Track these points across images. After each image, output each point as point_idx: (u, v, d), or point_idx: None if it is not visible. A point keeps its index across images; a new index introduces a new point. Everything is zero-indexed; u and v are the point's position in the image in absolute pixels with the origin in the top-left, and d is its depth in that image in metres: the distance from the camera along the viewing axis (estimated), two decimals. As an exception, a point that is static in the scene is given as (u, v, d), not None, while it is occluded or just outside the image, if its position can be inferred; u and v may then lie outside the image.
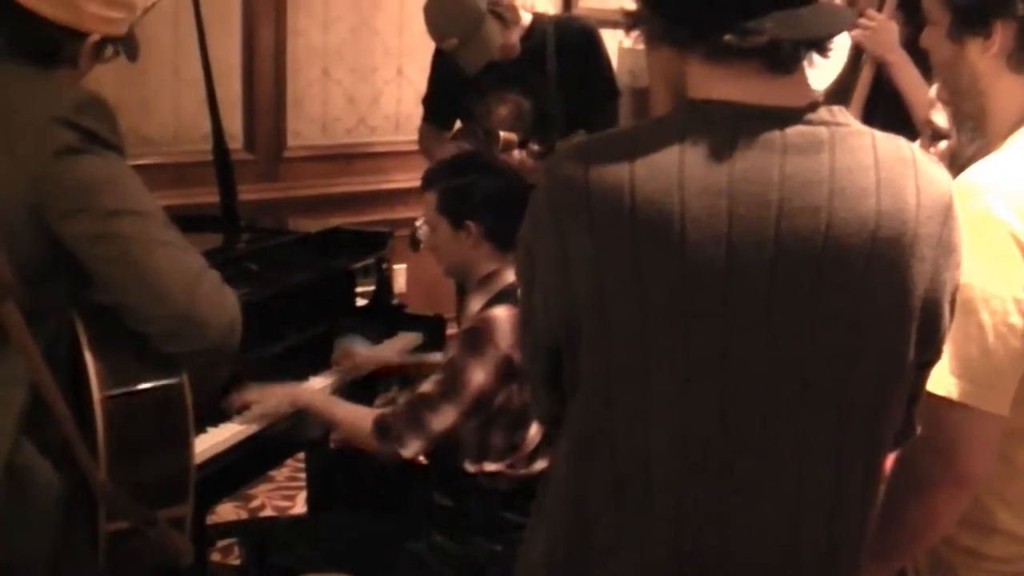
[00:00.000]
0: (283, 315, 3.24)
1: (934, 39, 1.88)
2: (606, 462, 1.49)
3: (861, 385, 1.47)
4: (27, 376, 1.91)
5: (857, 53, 3.44)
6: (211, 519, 3.84)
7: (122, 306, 1.95)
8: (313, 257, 3.51)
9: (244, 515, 4.26)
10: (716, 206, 1.40)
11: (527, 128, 3.94)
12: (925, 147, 2.57)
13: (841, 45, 4.20)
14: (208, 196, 3.56)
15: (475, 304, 2.85)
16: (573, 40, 3.98)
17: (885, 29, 3.30)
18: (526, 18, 3.99)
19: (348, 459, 3.20)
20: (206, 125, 3.45)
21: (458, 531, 2.79)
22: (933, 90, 2.66)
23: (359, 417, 2.83)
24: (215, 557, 3.84)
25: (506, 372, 2.69)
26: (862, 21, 3.29)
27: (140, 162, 4.48)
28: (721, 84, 1.46)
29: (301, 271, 3.38)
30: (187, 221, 3.46)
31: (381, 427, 2.74)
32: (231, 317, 2.02)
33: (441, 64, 4.09)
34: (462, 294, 3.44)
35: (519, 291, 1.61)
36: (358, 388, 3.30)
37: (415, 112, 5.35)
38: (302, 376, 3.17)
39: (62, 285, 1.98)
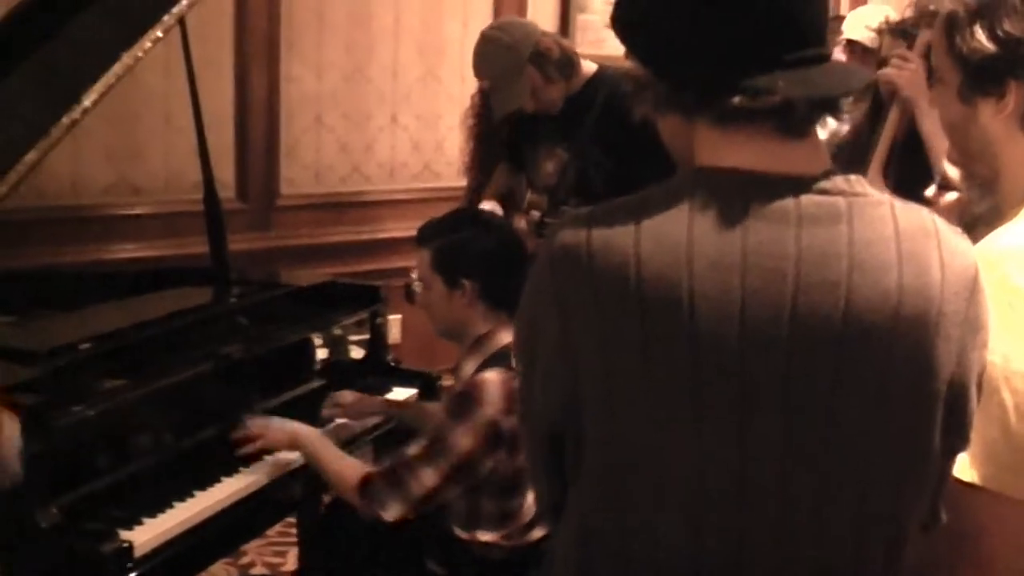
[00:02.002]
0: (274, 372, 3.16)
1: (944, 98, 1.79)
2: (613, 557, 1.41)
3: (883, 473, 1.38)
4: None
5: (878, 97, 3.37)
6: (200, 577, 3.75)
7: None
8: (305, 312, 3.43)
9: (235, 572, 4.17)
10: (728, 281, 1.32)
11: (569, 187, 3.82)
12: (936, 198, 2.51)
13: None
14: (200, 246, 3.49)
15: (468, 367, 2.77)
16: (622, 98, 3.82)
17: (919, 72, 3.23)
18: (589, 68, 3.87)
19: (340, 520, 3.11)
20: (198, 173, 3.39)
21: (453, 601, 2.71)
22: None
23: (349, 471, 2.74)
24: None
25: (493, 438, 2.60)
26: (896, 62, 3.22)
27: (130, 212, 4.44)
28: (731, 150, 1.38)
29: (293, 326, 3.30)
30: (177, 274, 3.46)
31: (365, 487, 2.65)
32: None
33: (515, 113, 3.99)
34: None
35: (518, 368, 1.53)
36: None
37: (410, 160, 5.34)
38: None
39: None
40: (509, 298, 2.79)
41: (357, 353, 3.56)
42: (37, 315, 3.10)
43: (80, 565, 2.31)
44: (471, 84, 4.67)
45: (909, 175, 3.34)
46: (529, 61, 3.71)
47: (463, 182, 4.83)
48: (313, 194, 5.06)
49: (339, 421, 3.19)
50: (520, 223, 3.77)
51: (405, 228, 5.15)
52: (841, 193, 1.36)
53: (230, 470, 2.82)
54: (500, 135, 4.21)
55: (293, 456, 2.89)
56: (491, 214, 3.25)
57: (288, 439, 2.84)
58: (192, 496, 2.66)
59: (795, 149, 1.38)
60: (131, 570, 2.37)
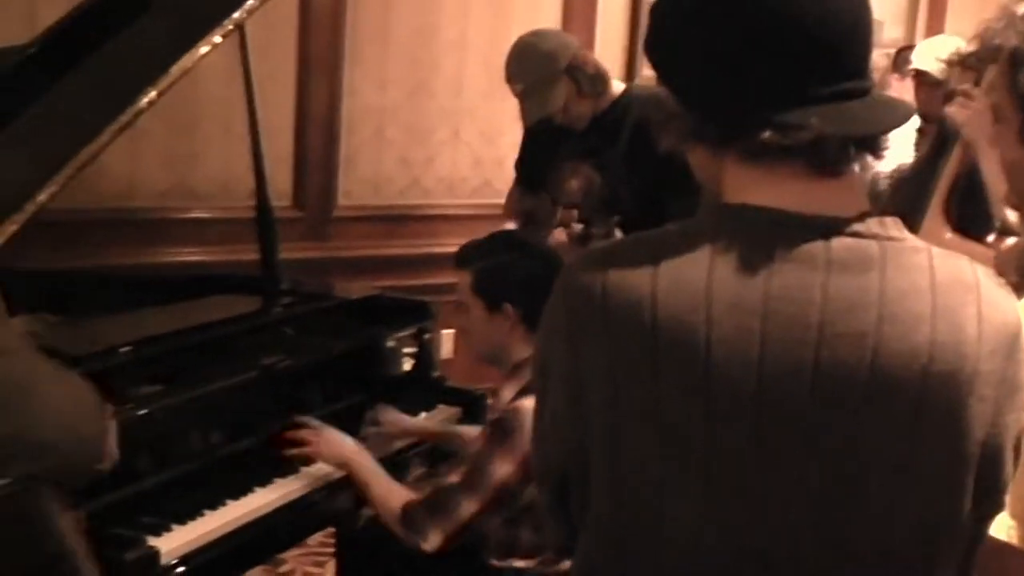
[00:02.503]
0: (316, 384, 3.14)
1: (1004, 139, 1.69)
2: None
3: (909, 538, 1.30)
4: None
5: (944, 132, 3.28)
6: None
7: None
8: (352, 325, 3.40)
9: (274, 583, 4.15)
10: (747, 326, 1.25)
11: (595, 205, 3.78)
12: (996, 244, 2.43)
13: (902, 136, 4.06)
14: (254, 253, 3.48)
15: (507, 393, 2.72)
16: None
17: (983, 111, 3.13)
18: (617, 88, 3.82)
19: (378, 534, 3.08)
20: (255, 182, 3.37)
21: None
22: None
23: (392, 497, 2.70)
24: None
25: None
26: (960, 100, 3.13)
27: (186, 216, 4.45)
28: (759, 187, 1.31)
29: (337, 339, 3.27)
30: (228, 281, 3.45)
31: (407, 516, 2.62)
32: (72, 426, 1.76)
33: (535, 127, 3.97)
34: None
35: (534, 405, 1.47)
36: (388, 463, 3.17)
37: (470, 175, 5.31)
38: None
39: None
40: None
41: (404, 368, 3.53)
42: (85, 316, 3.09)
43: (104, 570, 2.29)
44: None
45: (972, 217, 3.25)
46: (565, 71, 3.67)
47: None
48: (371, 206, 5.05)
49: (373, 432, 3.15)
50: (561, 237, 3.71)
51: (462, 243, 5.13)
52: (875, 237, 1.29)
53: (264, 480, 2.79)
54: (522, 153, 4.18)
55: (329, 469, 2.86)
56: (532, 236, 3.19)
57: (338, 458, 2.81)
58: (224, 505, 2.64)
59: (828, 188, 1.31)
60: (158, 576, 2.36)
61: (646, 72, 5.84)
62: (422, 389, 3.52)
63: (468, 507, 2.55)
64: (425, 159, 5.19)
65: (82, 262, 3.87)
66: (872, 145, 1.32)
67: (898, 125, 1.34)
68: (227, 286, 3.43)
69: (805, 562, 1.29)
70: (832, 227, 1.28)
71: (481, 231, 5.14)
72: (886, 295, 1.26)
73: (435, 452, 3.32)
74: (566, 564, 2.66)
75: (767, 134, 1.27)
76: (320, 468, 2.87)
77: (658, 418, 1.27)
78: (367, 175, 5.02)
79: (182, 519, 2.52)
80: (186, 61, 3.02)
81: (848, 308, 1.25)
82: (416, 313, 3.55)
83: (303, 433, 2.82)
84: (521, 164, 4.20)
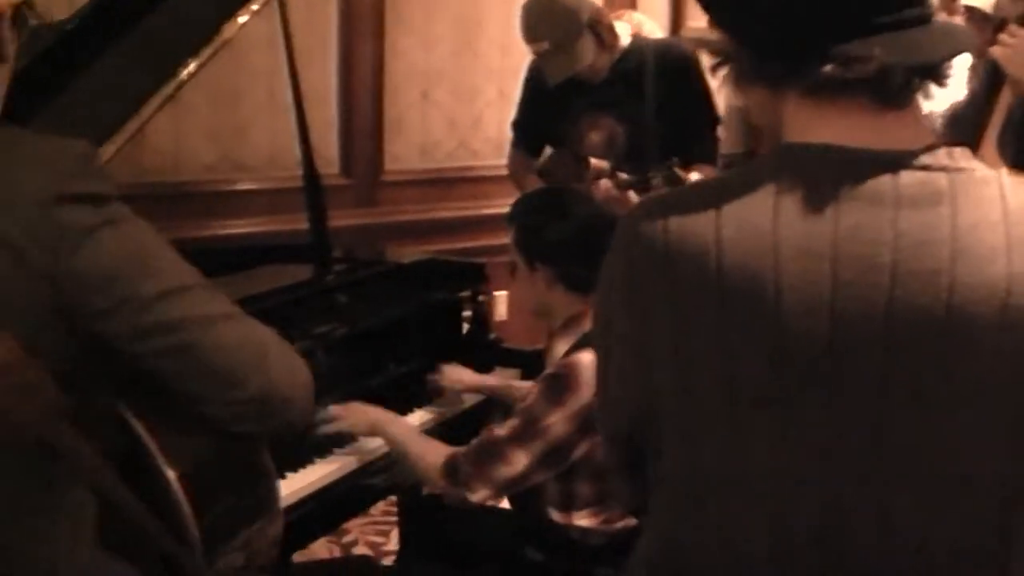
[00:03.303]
0: (373, 350, 3.11)
1: None
2: (694, 567, 1.31)
3: (990, 484, 1.25)
4: (91, 498, 1.68)
5: (994, 74, 3.17)
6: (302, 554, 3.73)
7: (181, 395, 1.66)
8: (405, 290, 3.37)
9: (337, 551, 4.14)
10: (817, 271, 1.20)
11: (620, 156, 3.77)
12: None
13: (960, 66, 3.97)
14: (304, 223, 3.45)
15: (560, 348, 2.68)
16: (672, 66, 3.78)
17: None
18: (625, 41, 3.83)
19: (440, 504, 3.05)
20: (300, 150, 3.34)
21: (551, 588, 2.63)
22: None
23: (432, 454, 2.65)
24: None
25: (587, 422, 2.49)
26: (1003, 37, 3.02)
27: (235, 187, 4.42)
28: (821, 124, 1.26)
29: (391, 305, 3.24)
30: (279, 251, 3.42)
31: (450, 468, 2.57)
32: (306, 386, 1.73)
33: (534, 86, 3.95)
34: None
35: (596, 361, 1.43)
36: (461, 423, 3.17)
37: (517, 135, 5.23)
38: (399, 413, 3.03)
39: (112, 384, 1.72)
40: (593, 283, 2.69)
41: (461, 331, 3.49)
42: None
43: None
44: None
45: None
46: (587, 25, 3.65)
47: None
48: (419, 169, 5.01)
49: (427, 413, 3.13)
50: (608, 188, 3.64)
51: (511, 203, 5.08)
52: (943, 169, 1.23)
53: (324, 452, 2.78)
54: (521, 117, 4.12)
55: (381, 441, 2.83)
56: (580, 195, 3.11)
57: (367, 424, 2.79)
58: (284, 478, 2.61)
59: (893, 121, 1.26)
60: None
61: (691, 23, 5.77)
62: (479, 352, 3.48)
63: (519, 460, 2.50)
64: (472, 121, 5.14)
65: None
66: (935, 74, 1.27)
67: (961, 52, 1.30)
68: (278, 256, 3.41)
69: (881, 509, 1.25)
70: (899, 161, 1.23)
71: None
72: (958, 229, 1.21)
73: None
74: (632, 521, 2.62)
75: (829, 67, 1.22)
76: (373, 440, 2.85)
77: (727, 368, 1.24)
78: (414, 138, 4.97)
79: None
80: (227, 31, 2.99)
81: (920, 245, 1.21)
82: (470, 275, 3.52)
83: (331, 410, 2.79)
84: (523, 124, 4.16)
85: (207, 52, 2.98)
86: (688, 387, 1.26)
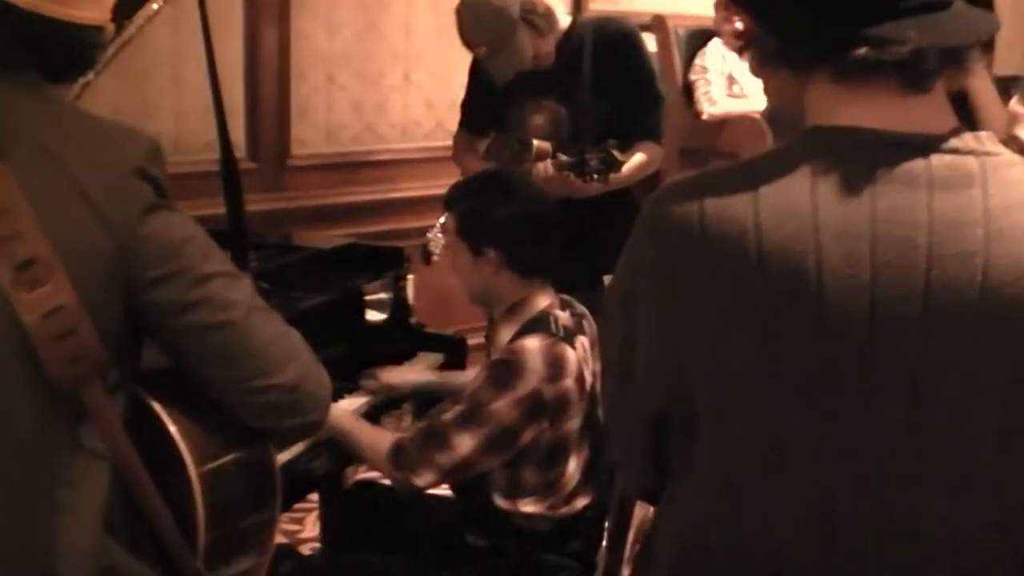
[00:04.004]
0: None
1: None
2: (725, 551, 1.31)
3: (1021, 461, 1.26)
4: (108, 465, 1.68)
5: None
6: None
7: (213, 379, 1.73)
8: (327, 275, 3.32)
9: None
10: (857, 252, 1.21)
11: (565, 137, 3.72)
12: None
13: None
14: (211, 208, 3.38)
15: (504, 334, 2.67)
16: (610, 43, 3.73)
17: None
18: (564, 22, 3.77)
19: (366, 496, 3.04)
20: (208, 134, 3.28)
21: (494, 573, 2.61)
22: (1014, 102, 2.46)
23: (380, 441, 2.65)
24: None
25: (536, 408, 2.50)
26: None
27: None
28: (850, 107, 1.27)
29: (317, 290, 3.19)
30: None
31: (396, 453, 2.57)
32: (329, 389, 1.82)
33: (479, 69, 3.91)
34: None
35: (607, 350, 1.42)
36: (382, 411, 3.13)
37: (423, 119, 5.22)
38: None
39: (135, 359, 1.76)
40: (539, 265, 2.69)
41: (374, 316, 3.46)
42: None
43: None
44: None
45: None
46: (521, 19, 3.61)
47: (477, 142, 4.73)
48: (325, 154, 4.95)
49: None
50: (546, 169, 3.61)
51: (418, 188, 5.07)
52: (972, 152, 1.25)
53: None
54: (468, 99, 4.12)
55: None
56: (520, 176, 3.11)
57: None
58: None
59: (920, 105, 1.27)
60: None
61: (592, 7, 5.78)
62: (401, 336, 3.46)
63: (463, 446, 2.50)
64: (377, 104, 5.09)
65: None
66: (960, 57, 1.28)
67: (989, 35, 1.30)
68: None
69: (918, 488, 1.26)
70: (929, 144, 1.25)
71: (436, 176, 5.09)
72: (991, 211, 1.22)
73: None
74: (577, 506, 2.63)
75: (863, 50, 1.22)
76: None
77: (768, 350, 1.24)
78: (320, 122, 4.92)
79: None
80: (142, 16, 2.93)
81: (954, 227, 1.22)
82: (390, 260, 3.48)
83: None
84: (469, 106, 4.12)
85: (122, 39, 2.90)
86: (725, 369, 1.26)
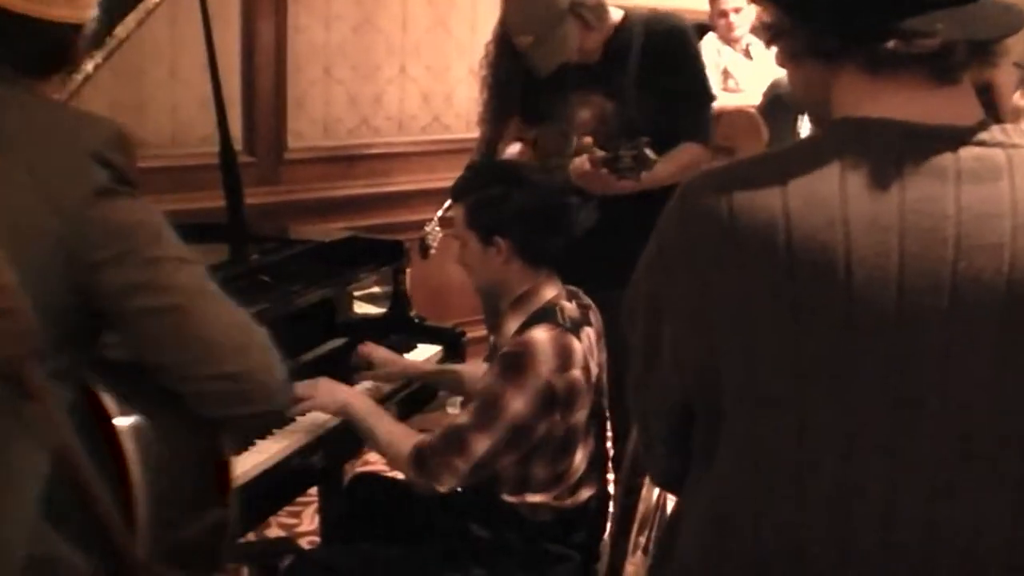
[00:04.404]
0: (297, 330, 3.06)
1: None
2: (750, 544, 1.31)
3: None
4: (47, 449, 1.65)
5: None
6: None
7: (163, 366, 1.71)
8: (327, 268, 3.32)
9: (250, 534, 4.08)
10: (886, 243, 1.21)
11: (611, 132, 3.65)
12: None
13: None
14: (207, 201, 3.40)
15: (511, 325, 2.66)
16: (659, 39, 3.66)
17: None
18: (616, 15, 3.71)
19: (366, 490, 3.04)
20: (204, 127, 3.30)
21: (498, 564, 2.61)
22: (1018, 96, 2.46)
23: (401, 440, 2.64)
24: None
25: (548, 401, 2.49)
26: None
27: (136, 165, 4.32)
28: (879, 99, 1.27)
29: (317, 283, 3.19)
30: (191, 230, 3.34)
31: (419, 460, 2.55)
32: (284, 379, 1.78)
33: (514, 60, 3.86)
34: (490, 307, 3.25)
35: (632, 339, 1.42)
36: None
37: (419, 112, 5.23)
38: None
39: (85, 347, 1.75)
40: (548, 255, 2.70)
41: (368, 309, 3.47)
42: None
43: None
44: (482, 34, 4.55)
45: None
46: (569, 10, 3.57)
47: (473, 134, 4.70)
48: (322, 147, 4.95)
49: (367, 385, 3.09)
50: (583, 164, 3.60)
51: (414, 181, 5.08)
52: (1000, 145, 1.26)
53: (264, 433, 2.73)
54: (514, 87, 4.08)
55: (326, 418, 2.80)
56: (528, 167, 3.10)
57: (337, 406, 2.74)
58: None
59: (948, 97, 1.28)
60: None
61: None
62: (401, 329, 3.47)
63: (481, 444, 2.49)
64: (373, 97, 5.09)
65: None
66: (989, 51, 1.29)
67: (1018, 30, 1.30)
68: (193, 236, 3.33)
69: (942, 477, 1.27)
70: (957, 136, 1.25)
71: (432, 169, 5.10)
72: (1018, 204, 1.23)
73: (412, 397, 3.26)
74: (581, 497, 2.63)
75: (892, 42, 1.23)
76: (315, 418, 2.81)
77: (795, 339, 1.24)
78: (316, 115, 4.91)
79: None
80: (144, 8, 2.93)
81: (981, 219, 1.23)
82: (390, 252, 3.49)
83: (299, 387, 2.70)
84: (502, 94, 4.03)
85: (121, 32, 2.91)
86: (752, 359, 1.27)
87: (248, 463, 2.61)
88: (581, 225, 3.59)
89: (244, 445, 2.67)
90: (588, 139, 3.66)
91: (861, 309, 1.22)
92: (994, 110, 2.73)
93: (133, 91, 4.24)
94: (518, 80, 3.76)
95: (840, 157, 1.24)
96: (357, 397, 2.79)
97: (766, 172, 1.27)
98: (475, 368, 3.07)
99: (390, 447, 2.66)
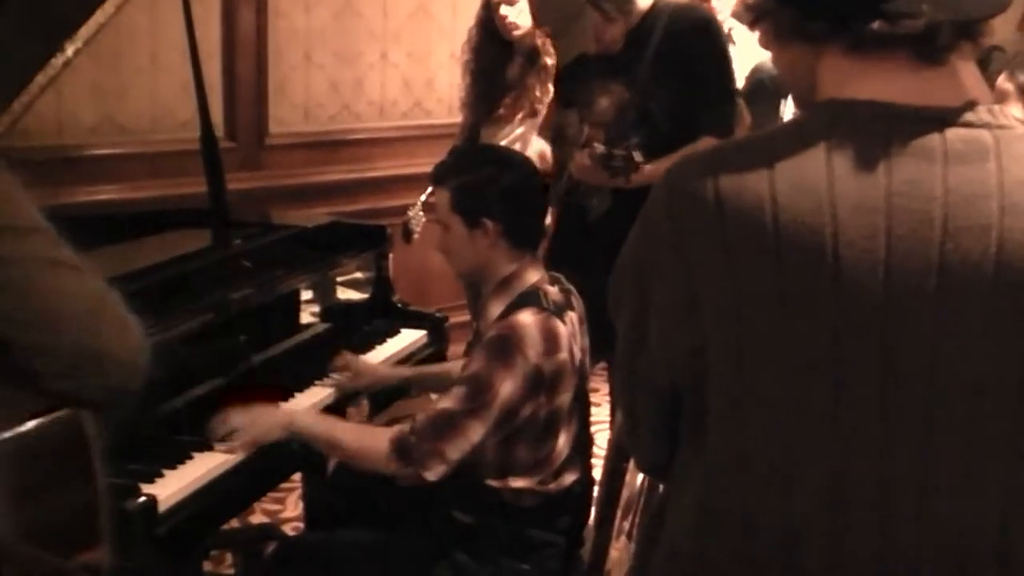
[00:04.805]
0: (280, 317, 3.06)
1: None
2: (739, 537, 1.31)
3: None
4: None
5: None
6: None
7: (4, 341, 1.57)
8: (310, 254, 3.31)
9: (234, 520, 4.08)
10: (873, 225, 1.21)
11: (629, 122, 3.66)
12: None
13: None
14: (188, 187, 3.38)
15: (494, 309, 2.64)
16: (682, 31, 3.66)
17: None
18: (644, 4, 3.69)
19: (349, 475, 3.01)
20: (184, 112, 3.29)
21: (481, 550, 2.61)
22: (1002, 79, 2.46)
23: (369, 438, 2.59)
24: (207, 567, 3.65)
25: (535, 383, 2.48)
26: None
27: (116, 151, 4.30)
28: (864, 81, 1.26)
29: (299, 269, 3.19)
30: (173, 216, 3.34)
31: (401, 449, 2.50)
32: (136, 348, 1.62)
33: (498, 45, 3.84)
34: (473, 292, 3.25)
35: (621, 323, 1.42)
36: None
37: (400, 98, 5.22)
38: (304, 382, 3.00)
39: None
40: (532, 236, 2.70)
41: (351, 295, 3.47)
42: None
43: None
44: (463, 20, 4.56)
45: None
46: (586, 3, 3.57)
47: (454, 119, 4.72)
48: (303, 132, 4.94)
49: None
50: (583, 159, 3.61)
51: (396, 166, 5.07)
52: (986, 126, 1.25)
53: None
54: (497, 72, 4.10)
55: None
56: (508, 149, 3.10)
57: (282, 427, 2.63)
58: (211, 449, 2.55)
59: (934, 79, 1.27)
60: (159, 525, 2.29)
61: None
62: (384, 314, 3.48)
63: (475, 430, 2.46)
64: (354, 83, 5.08)
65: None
66: (974, 31, 1.28)
67: (1003, 9, 1.29)
68: (175, 222, 3.33)
69: (931, 458, 1.26)
70: (944, 118, 1.25)
71: (413, 154, 5.09)
72: (1005, 185, 1.22)
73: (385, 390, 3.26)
74: (565, 481, 2.63)
75: (877, 23, 1.22)
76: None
77: (783, 323, 1.24)
78: (297, 101, 4.90)
79: (172, 463, 2.45)
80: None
81: (969, 200, 1.22)
82: (372, 238, 3.49)
83: (234, 419, 2.62)
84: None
85: (100, 17, 2.91)
86: (740, 343, 1.26)
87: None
88: (595, 210, 3.61)
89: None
90: (595, 131, 3.67)
91: (848, 291, 1.22)
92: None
93: (114, 77, 4.21)
94: (501, 64, 3.78)
95: (826, 139, 1.24)
96: (298, 413, 2.74)
97: (752, 156, 1.26)
98: (453, 366, 3.03)
99: (361, 448, 2.59)
